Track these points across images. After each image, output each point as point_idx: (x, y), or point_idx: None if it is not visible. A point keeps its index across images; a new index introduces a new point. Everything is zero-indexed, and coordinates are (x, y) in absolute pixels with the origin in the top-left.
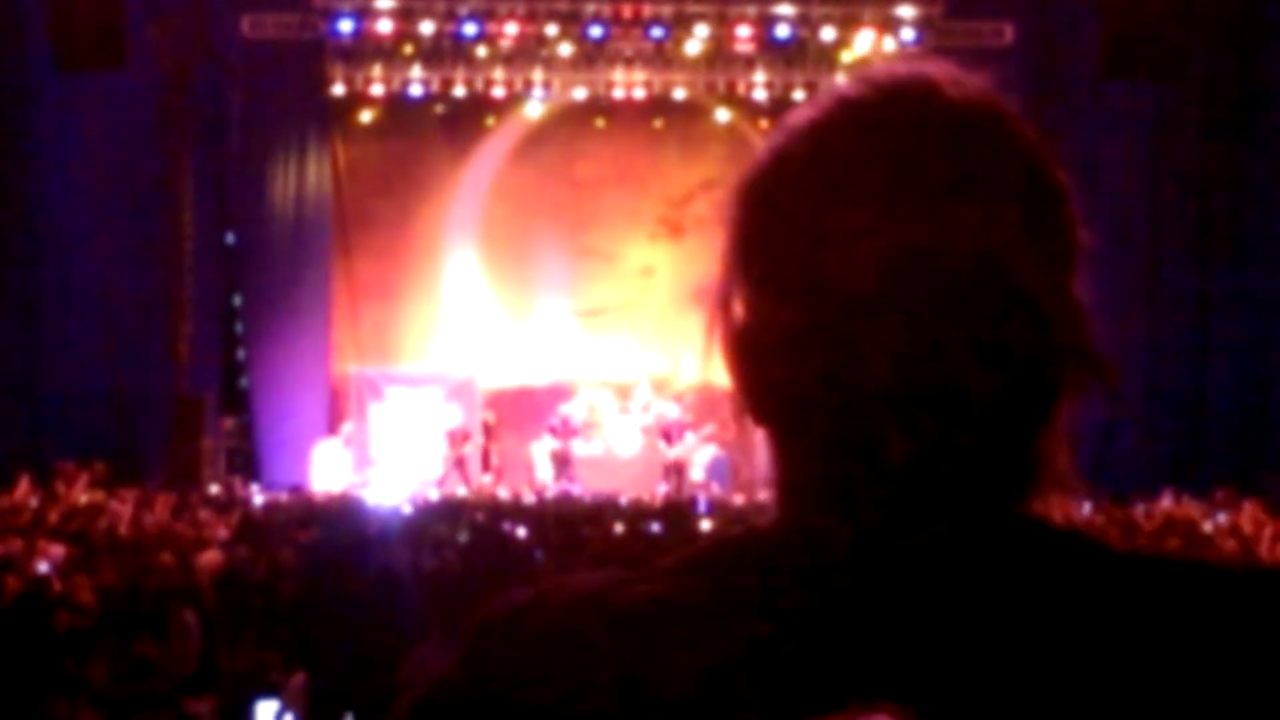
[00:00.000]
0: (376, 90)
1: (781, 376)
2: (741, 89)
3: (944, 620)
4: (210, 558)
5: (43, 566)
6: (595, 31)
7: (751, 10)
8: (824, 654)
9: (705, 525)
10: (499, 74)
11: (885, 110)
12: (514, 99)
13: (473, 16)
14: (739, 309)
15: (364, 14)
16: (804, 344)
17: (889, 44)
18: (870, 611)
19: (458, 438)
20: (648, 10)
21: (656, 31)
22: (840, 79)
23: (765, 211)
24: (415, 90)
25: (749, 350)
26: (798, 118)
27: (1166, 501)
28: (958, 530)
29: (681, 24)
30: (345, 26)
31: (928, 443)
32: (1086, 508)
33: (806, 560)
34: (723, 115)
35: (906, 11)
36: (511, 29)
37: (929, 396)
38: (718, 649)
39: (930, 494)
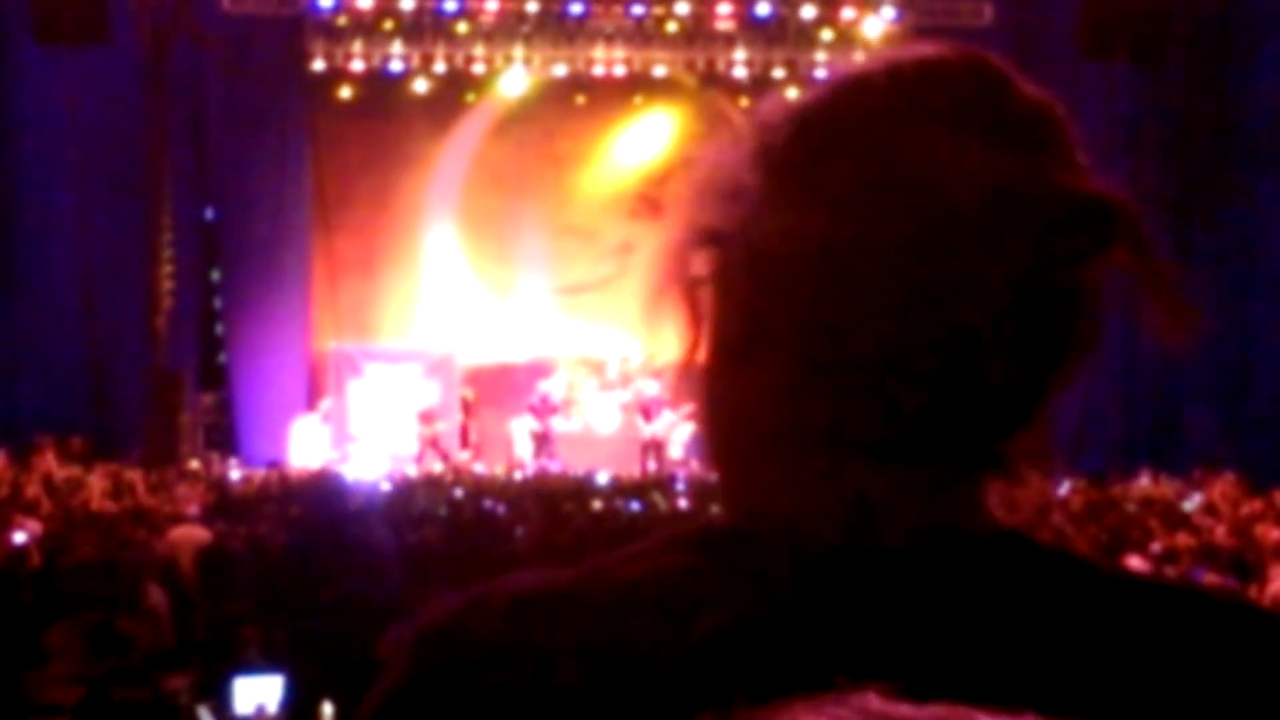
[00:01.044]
0: (356, 66)
1: (811, 295)
2: (721, 67)
3: (932, 606)
4: (187, 533)
5: (19, 538)
6: (575, 8)
7: None
8: (813, 635)
9: (683, 503)
10: (479, 50)
11: (950, 68)
12: (494, 76)
13: None
14: (756, 227)
15: None
16: (854, 263)
17: (870, 23)
18: (861, 595)
19: (430, 417)
20: None
21: (637, 9)
22: (820, 57)
23: (826, 126)
24: (395, 66)
25: (766, 272)
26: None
27: (1144, 481)
28: (950, 512)
29: (662, 1)
30: (325, 2)
31: (948, 388)
32: (1065, 486)
33: (795, 543)
34: (703, 93)
35: None
36: (492, 5)
37: (967, 334)
38: (701, 628)
39: (929, 457)
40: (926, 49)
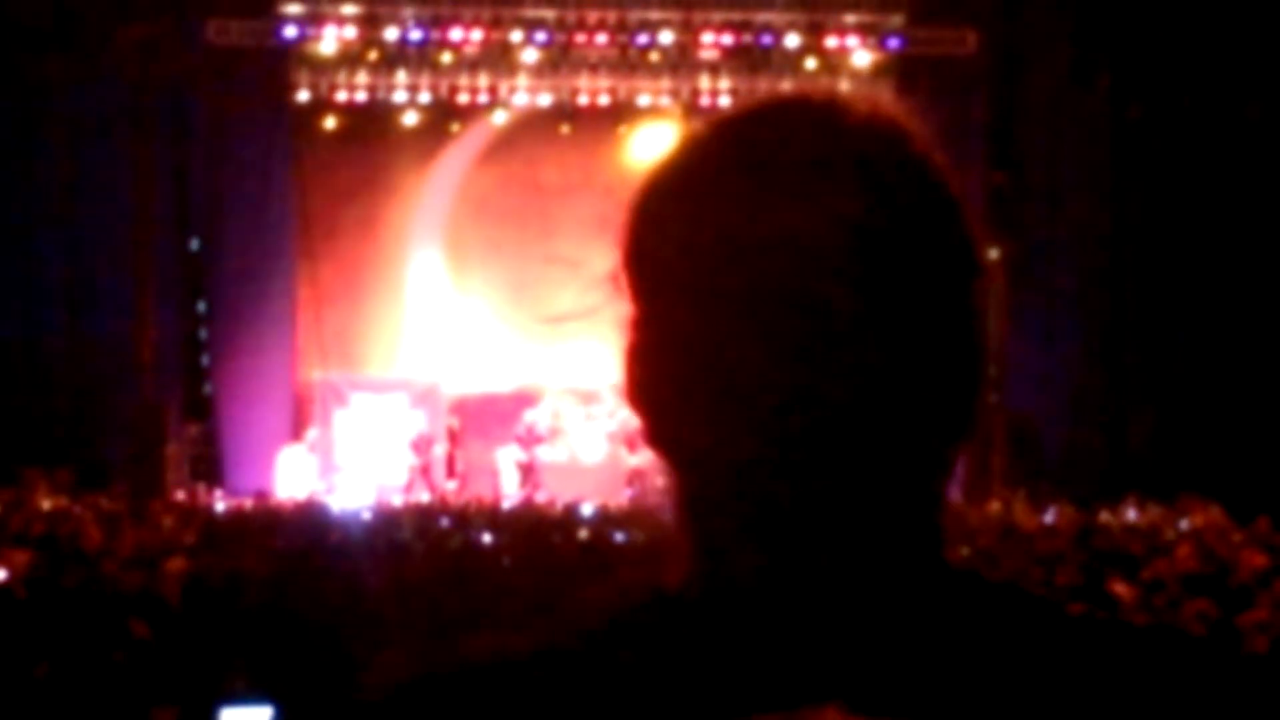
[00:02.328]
0: (341, 96)
1: (666, 392)
2: (706, 96)
3: (875, 657)
4: (175, 565)
5: (0, 574)
6: (560, 38)
7: (716, 17)
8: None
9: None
10: (463, 80)
11: (765, 120)
12: (478, 105)
13: (437, 23)
14: (631, 326)
15: (329, 21)
16: (683, 352)
17: (857, 53)
18: (799, 664)
19: (422, 445)
20: (612, 16)
21: (621, 38)
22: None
23: (642, 218)
24: (380, 96)
25: (637, 365)
26: (688, 131)
27: (1131, 508)
28: (877, 577)
29: (646, 30)
30: (310, 33)
31: (810, 485)
32: (1051, 513)
33: (731, 632)
34: (688, 122)
35: (870, 19)
36: (476, 35)
37: (802, 430)
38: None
39: (832, 537)
40: (761, 102)
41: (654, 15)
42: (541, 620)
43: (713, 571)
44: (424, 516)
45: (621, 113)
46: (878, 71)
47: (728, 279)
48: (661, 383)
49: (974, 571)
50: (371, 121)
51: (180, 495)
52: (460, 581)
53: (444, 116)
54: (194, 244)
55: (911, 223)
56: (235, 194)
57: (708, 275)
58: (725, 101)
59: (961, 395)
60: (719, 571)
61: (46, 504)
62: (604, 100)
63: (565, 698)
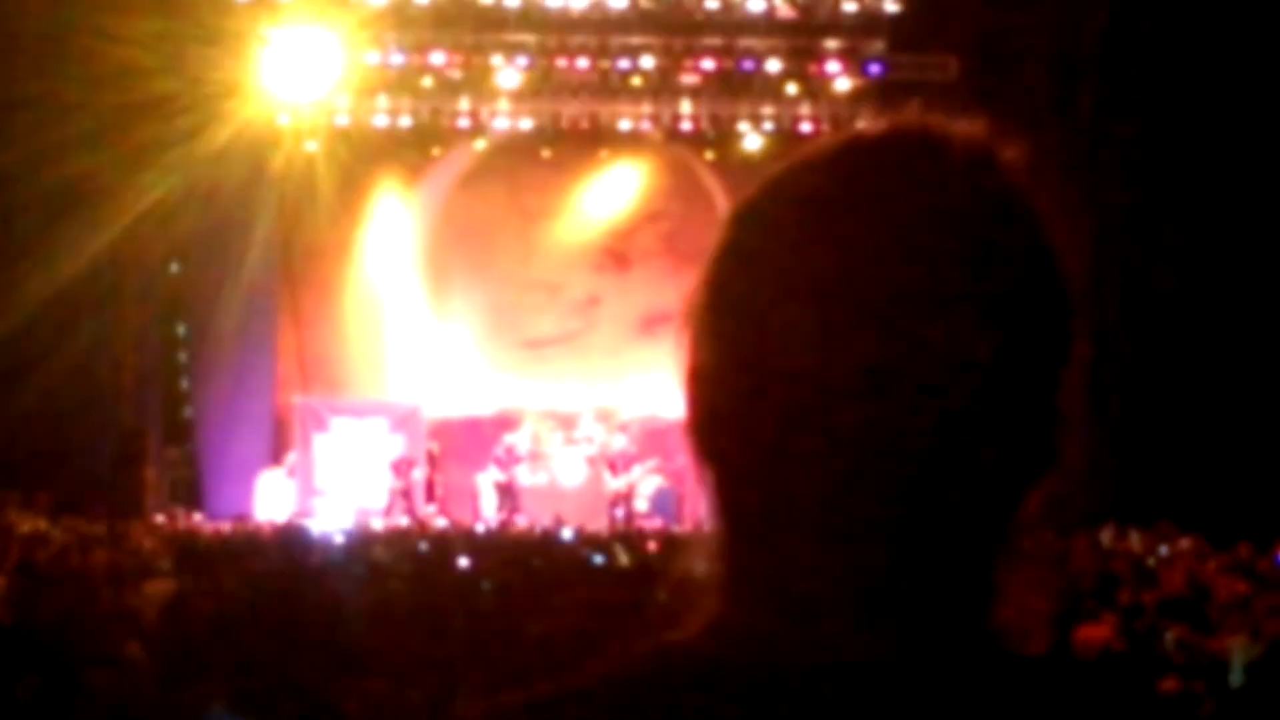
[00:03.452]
0: (322, 120)
1: (724, 440)
2: (688, 121)
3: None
4: (156, 587)
5: None
6: (541, 62)
7: (697, 42)
8: None
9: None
10: (445, 104)
11: (883, 193)
12: (460, 129)
13: (418, 47)
14: (693, 346)
15: (311, 44)
16: (742, 420)
17: (838, 79)
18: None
19: (403, 467)
20: (594, 41)
21: (603, 62)
22: (786, 111)
23: (735, 257)
24: (361, 121)
25: (697, 393)
26: (802, 162)
27: (1109, 534)
28: (910, 653)
29: (628, 55)
30: (292, 57)
31: (847, 564)
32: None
33: (754, 688)
34: (669, 146)
35: (851, 45)
36: (458, 60)
37: (850, 523)
38: None
39: (875, 613)
40: (879, 153)
41: (635, 40)
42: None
43: (751, 624)
44: (403, 540)
45: (603, 137)
46: (858, 97)
47: (826, 352)
48: (738, 437)
49: (1006, 650)
50: (353, 146)
51: (160, 518)
52: (440, 604)
53: (425, 140)
54: (175, 268)
55: (1027, 341)
56: (216, 218)
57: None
58: (706, 126)
59: (1034, 471)
60: (759, 624)
61: (25, 527)
62: (585, 125)
63: None
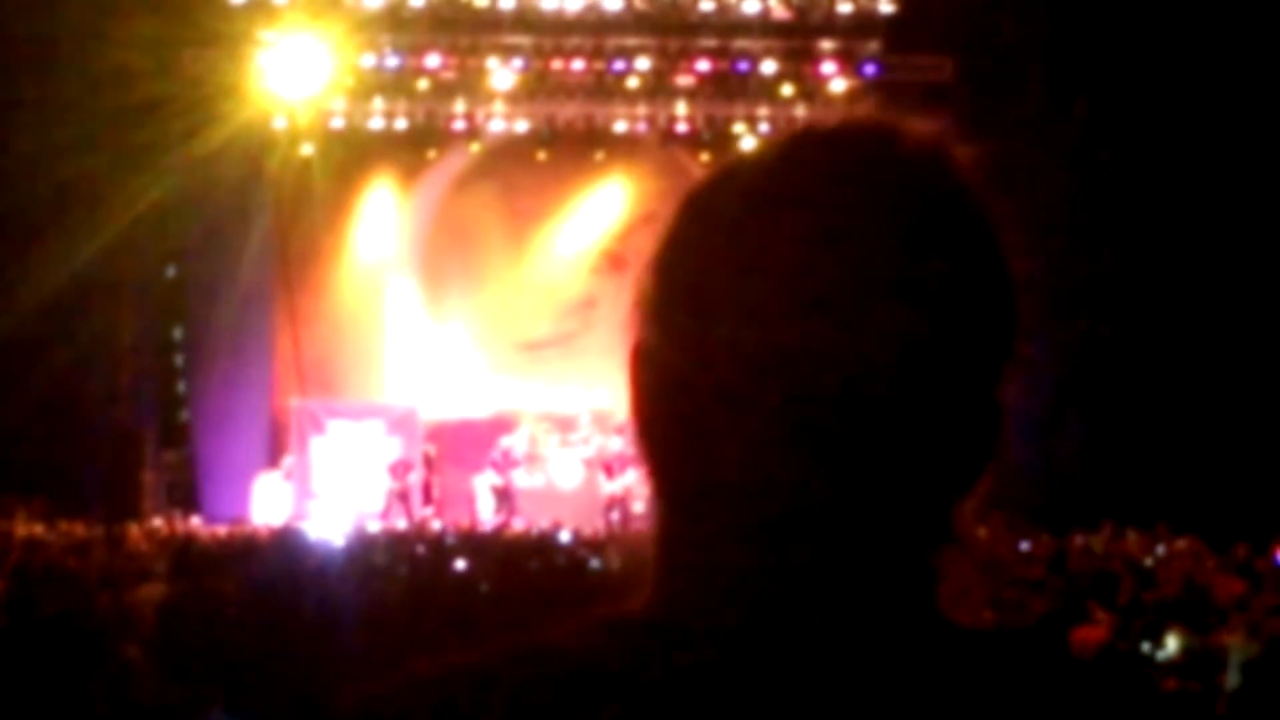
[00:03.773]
0: (318, 123)
1: (660, 421)
2: (683, 122)
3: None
4: (151, 591)
5: None
6: (537, 64)
7: (693, 44)
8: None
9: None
10: (440, 107)
11: (816, 177)
12: (455, 131)
13: (414, 49)
14: (638, 329)
15: (306, 47)
16: (677, 400)
17: (834, 80)
18: (767, 681)
19: (400, 470)
20: (589, 43)
21: (598, 64)
22: (781, 112)
23: (678, 249)
24: (357, 123)
25: (638, 374)
26: (753, 152)
27: (1107, 535)
28: (832, 637)
29: (623, 56)
30: (287, 59)
31: (774, 547)
32: (1025, 543)
33: (683, 660)
34: (664, 148)
35: (846, 46)
36: (453, 62)
37: (777, 505)
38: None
39: (799, 598)
40: (816, 142)
41: (630, 41)
42: (498, 640)
43: (679, 598)
44: (401, 542)
45: (598, 139)
46: (853, 98)
47: (761, 333)
48: (673, 416)
49: (962, 626)
50: (348, 148)
51: (157, 522)
52: (437, 608)
53: (421, 143)
54: (171, 271)
55: (962, 333)
56: (212, 221)
57: (744, 325)
58: (702, 128)
59: (972, 464)
60: (686, 598)
61: (22, 531)
62: (580, 127)
63: (495, 708)
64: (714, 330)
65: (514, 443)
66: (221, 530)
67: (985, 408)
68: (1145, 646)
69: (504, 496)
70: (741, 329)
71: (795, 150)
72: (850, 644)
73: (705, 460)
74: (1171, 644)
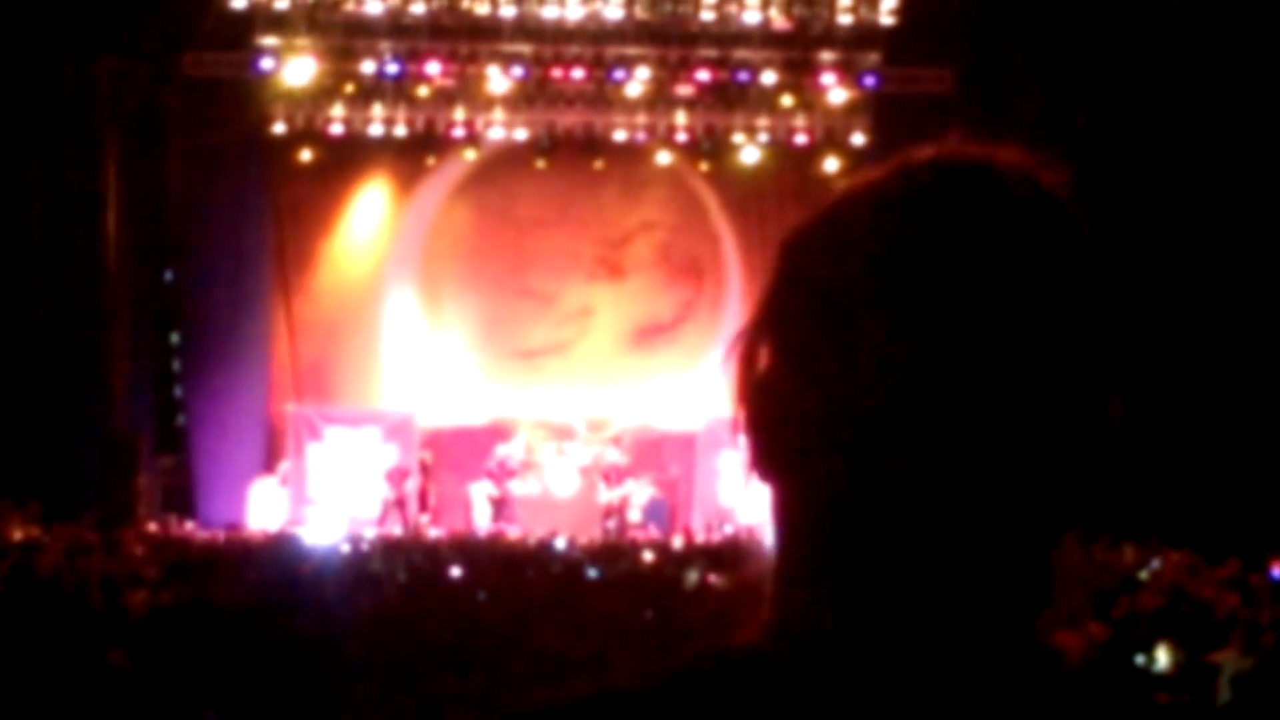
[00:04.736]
0: (316, 129)
1: (797, 453)
2: (683, 132)
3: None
4: (145, 596)
5: None
6: (536, 72)
7: (693, 53)
8: None
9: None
10: (439, 114)
11: (946, 212)
12: (454, 139)
13: (413, 56)
14: (763, 361)
15: (304, 53)
16: (820, 433)
17: (833, 91)
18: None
19: (396, 477)
20: (589, 51)
21: (598, 72)
22: (780, 122)
23: (800, 282)
24: (356, 130)
25: (767, 407)
26: (859, 186)
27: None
28: (975, 662)
29: (623, 65)
30: (286, 66)
31: (920, 571)
32: None
33: (820, 689)
34: (663, 157)
35: (846, 58)
36: (453, 69)
37: (932, 526)
38: None
39: (944, 621)
40: (939, 177)
41: (630, 50)
42: (612, 670)
43: (804, 628)
44: (396, 550)
45: (597, 147)
46: (853, 109)
47: (914, 364)
48: (813, 443)
49: (1058, 654)
50: (347, 154)
51: (152, 527)
52: (433, 615)
53: (420, 150)
54: (168, 276)
55: (1094, 355)
56: (210, 226)
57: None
58: (701, 138)
59: (1094, 485)
60: (808, 627)
61: (17, 534)
62: (580, 135)
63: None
64: (858, 366)
65: (510, 450)
66: (217, 535)
67: (1107, 430)
68: (1138, 659)
69: (500, 504)
70: (891, 366)
71: (903, 192)
72: (997, 677)
73: (848, 490)
74: (1163, 657)
